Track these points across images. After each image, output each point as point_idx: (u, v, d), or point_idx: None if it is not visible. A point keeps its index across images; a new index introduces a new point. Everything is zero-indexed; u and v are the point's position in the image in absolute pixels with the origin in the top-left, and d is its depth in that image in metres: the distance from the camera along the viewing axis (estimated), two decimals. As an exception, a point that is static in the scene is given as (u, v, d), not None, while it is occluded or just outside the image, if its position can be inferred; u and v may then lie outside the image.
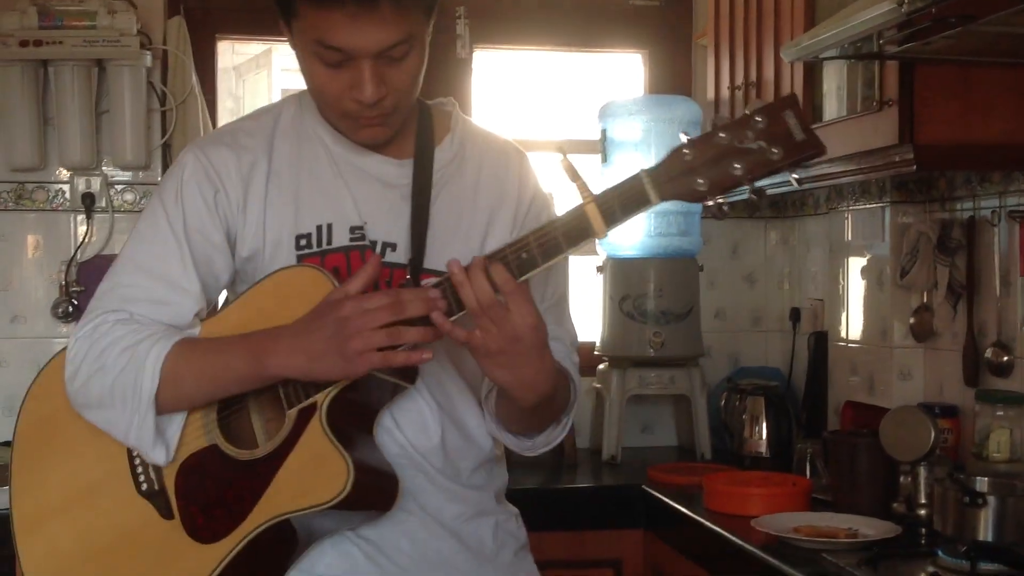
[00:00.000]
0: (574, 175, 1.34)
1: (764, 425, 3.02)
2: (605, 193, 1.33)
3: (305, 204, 1.52)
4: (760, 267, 3.50)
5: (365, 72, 1.40)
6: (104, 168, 3.18)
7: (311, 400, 1.42)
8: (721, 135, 1.27)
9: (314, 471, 1.42)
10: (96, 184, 3.17)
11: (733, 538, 2.25)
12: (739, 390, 3.10)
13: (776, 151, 1.26)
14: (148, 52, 3.09)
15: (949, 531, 2.10)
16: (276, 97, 4.95)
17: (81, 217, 3.18)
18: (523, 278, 1.35)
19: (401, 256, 1.52)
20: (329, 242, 1.51)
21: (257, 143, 1.55)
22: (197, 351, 1.46)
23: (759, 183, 1.29)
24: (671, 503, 2.59)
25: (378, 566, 1.54)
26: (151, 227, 1.52)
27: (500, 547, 1.64)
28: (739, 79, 2.90)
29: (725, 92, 3.00)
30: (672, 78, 3.52)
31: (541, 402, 1.44)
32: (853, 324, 2.90)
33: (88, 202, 3.16)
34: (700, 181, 1.28)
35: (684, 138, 1.29)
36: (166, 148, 3.22)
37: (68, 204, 3.18)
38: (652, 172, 1.30)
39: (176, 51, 3.17)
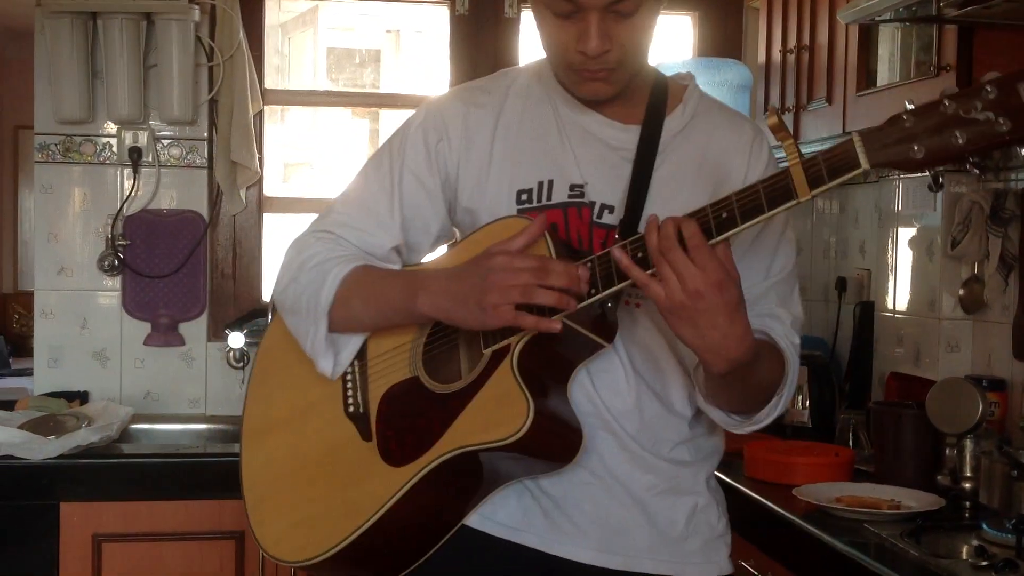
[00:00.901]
0: (783, 133, 1.28)
1: (807, 394, 2.99)
2: (813, 155, 1.27)
3: (528, 160, 1.56)
4: (806, 235, 3.45)
5: (592, 24, 1.42)
6: (151, 122, 3.20)
7: (506, 341, 1.45)
8: (947, 103, 1.21)
9: (497, 409, 1.44)
10: (143, 138, 3.19)
11: (774, 507, 2.23)
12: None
13: (1004, 123, 1.19)
14: (196, 7, 3.09)
15: (995, 505, 2.08)
16: (322, 55, 4.95)
17: (128, 171, 3.20)
18: (721, 237, 1.32)
19: (618, 219, 1.52)
20: (549, 198, 1.53)
21: (490, 100, 1.60)
22: (369, 277, 1.54)
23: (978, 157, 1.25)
24: (711, 470, 2.57)
25: (555, 524, 1.54)
26: (374, 164, 1.63)
27: (692, 532, 1.59)
28: (791, 42, 2.86)
29: (777, 56, 2.95)
30: (722, 41, 3.48)
31: (735, 372, 1.38)
32: (900, 295, 2.86)
33: (135, 156, 3.18)
34: (916, 148, 1.23)
35: (909, 105, 1.24)
36: (213, 103, 3.23)
37: (115, 158, 3.20)
38: (865, 135, 1.25)
39: (224, 6, 3.17)
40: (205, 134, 3.24)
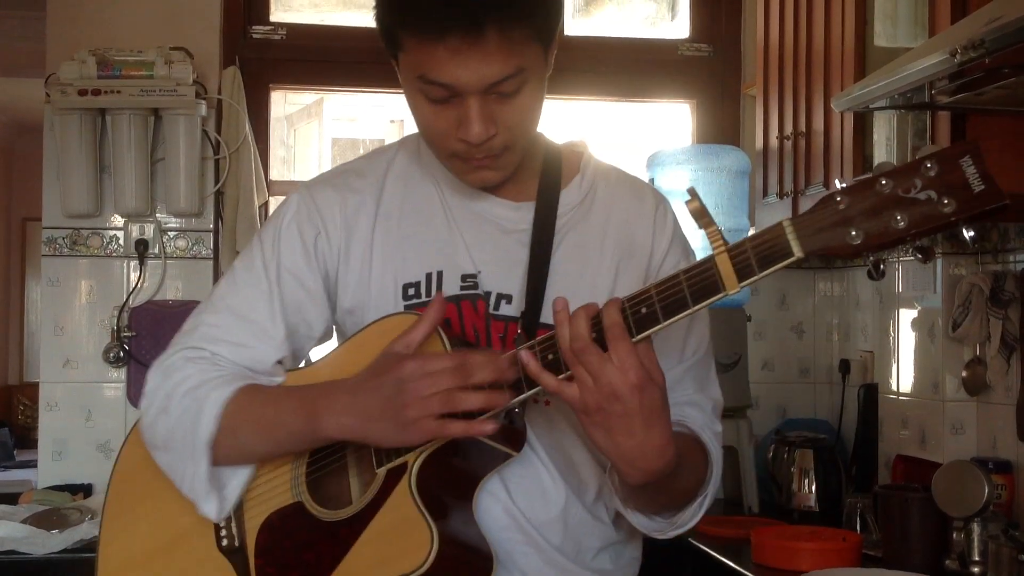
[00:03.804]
0: (706, 219, 1.16)
1: (813, 478, 2.98)
2: (741, 243, 1.15)
3: (414, 250, 1.42)
4: (808, 318, 3.47)
5: (472, 109, 1.28)
6: (158, 215, 3.23)
7: (402, 459, 1.30)
8: (883, 182, 1.09)
9: (395, 539, 1.29)
10: (150, 231, 3.22)
11: (782, 593, 2.21)
12: (787, 442, 3.06)
13: (948, 203, 1.07)
14: (203, 101, 3.14)
15: (1004, 589, 2.06)
16: (327, 146, 5.01)
17: (134, 263, 3.23)
18: (641, 336, 1.18)
19: (517, 309, 1.39)
20: (439, 291, 1.39)
21: (367, 184, 1.46)
22: (256, 400, 1.36)
23: (922, 240, 1.12)
24: (718, 557, 2.55)
25: None
26: (245, 267, 1.46)
27: None
28: (788, 129, 2.90)
29: (774, 142, 2.99)
30: (720, 128, 3.53)
31: (653, 481, 1.24)
32: (904, 377, 2.87)
33: (141, 248, 3.21)
34: (854, 233, 1.10)
35: (840, 184, 1.13)
36: (219, 196, 3.27)
37: (121, 250, 3.23)
38: (797, 221, 1.13)
39: (230, 100, 3.22)
40: (211, 225, 3.27)
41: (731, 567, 2.47)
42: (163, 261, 3.24)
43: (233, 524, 1.41)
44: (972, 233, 1.11)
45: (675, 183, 3.13)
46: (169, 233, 3.25)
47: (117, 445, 3.19)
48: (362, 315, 1.42)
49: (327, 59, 3.46)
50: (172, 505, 1.43)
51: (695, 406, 1.41)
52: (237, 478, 1.38)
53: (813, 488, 2.97)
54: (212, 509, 1.37)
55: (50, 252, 3.22)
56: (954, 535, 2.25)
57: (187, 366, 1.39)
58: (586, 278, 1.40)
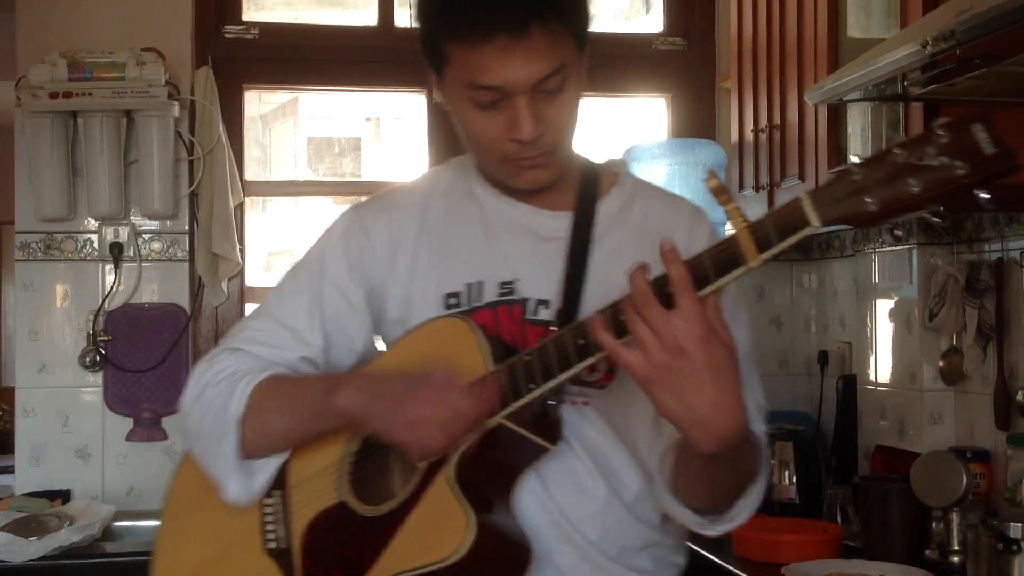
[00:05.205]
0: (725, 196, 1.18)
1: (793, 471, 2.98)
2: (760, 218, 1.17)
3: (455, 262, 1.47)
4: (786, 310, 3.47)
5: (521, 108, 1.34)
6: (132, 218, 3.21)
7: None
8: (896, 151, 1.11)
9: (434, 527, 1.33)
10: (124, 233, 3.20)
11: (763, 586, 2.22)
12: (767, 435, 3.06)
13: (961, 166, 1.09)
14: (176, 102, 3.12)
15: (984, 578, 2.07)
16: (302, 145, 5.00)
17: (109, 266, 3.21)
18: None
19: (555, 314, 1.42)
20: (479, 299, 1.45)
21: (411, 202, 1.52)
22: (284, 383, 1.44)
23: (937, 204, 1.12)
24: (699, 550, 2.55)
25: None
26: (292, 278, 1.54)
27: None
28: (763, 122, 2.90)
29: (749, 135, 3.00)
30: (696, 121, 3.53)
31: (725, 453, 1.21)
32: (882, 367, 2.87)
33: (116, 251, 3.18)
34: (869, 200, 1.12)
35: (856, 160, 1.14)
36: (193, 197, 3.25)
37: (96, 254, 3.21)
38: (814, 192, 1.14)
39: (203, 101, 3.20)
40: (186, 227, 3.25)
41: (713, 561, 2.47)
42: (138, 264, 3.22)
43: (281, 526, 1.46)
44: (988, 196, 1.12)
45: (651, 177, 3.12)
46: (144, 236, 3.23)
47: (95, 450, 3.19)
48: (408, 324, 1.47)
49: (301, 58, 3.45)
50: (223, 515, 1.48)
51: None
52: (268, 467, 1.44)
53: (794, 480, 2.97)
54: (235, 489, 1.42)
55: (24, 257, 3.19)
56: (933, 525, 2.26)
57: (226, 358, 1.48)
58: (621, 282, 1.40)
